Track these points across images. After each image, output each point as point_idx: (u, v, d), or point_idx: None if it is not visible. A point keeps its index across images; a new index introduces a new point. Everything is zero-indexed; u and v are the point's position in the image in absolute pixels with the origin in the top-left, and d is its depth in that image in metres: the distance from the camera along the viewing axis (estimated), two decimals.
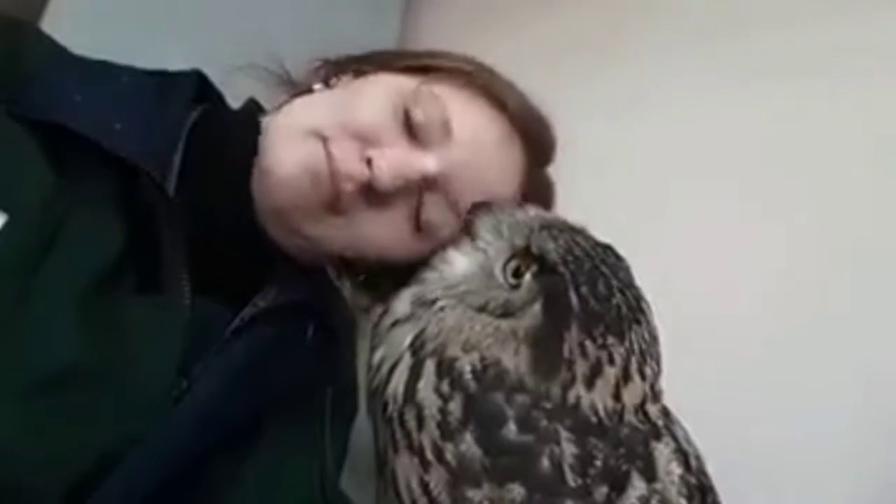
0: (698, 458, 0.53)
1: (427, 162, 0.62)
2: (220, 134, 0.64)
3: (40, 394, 0.46)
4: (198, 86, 0.67)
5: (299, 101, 0.67)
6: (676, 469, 0.50)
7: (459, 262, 0.58)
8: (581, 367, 0.50)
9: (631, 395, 0.51)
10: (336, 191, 0.60)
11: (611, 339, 0.50)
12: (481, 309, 0.53)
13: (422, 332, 0.54)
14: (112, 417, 0.49)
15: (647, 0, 0.95)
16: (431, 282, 0.58)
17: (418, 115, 0.62)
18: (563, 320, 0.50)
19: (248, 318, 0.61)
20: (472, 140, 0.64)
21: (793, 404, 0.71)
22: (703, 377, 0.66)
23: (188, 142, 0.61)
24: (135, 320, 0.53)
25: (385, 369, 0.54)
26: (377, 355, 0.56)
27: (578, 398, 0.50)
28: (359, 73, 0.69)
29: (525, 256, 0.54)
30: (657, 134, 0.86)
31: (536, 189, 0.71)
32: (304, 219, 0.62)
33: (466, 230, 0.60)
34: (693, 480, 0.50)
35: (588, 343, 0.50)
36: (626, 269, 0.55)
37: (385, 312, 0.59)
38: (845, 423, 0.69)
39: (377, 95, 0.63)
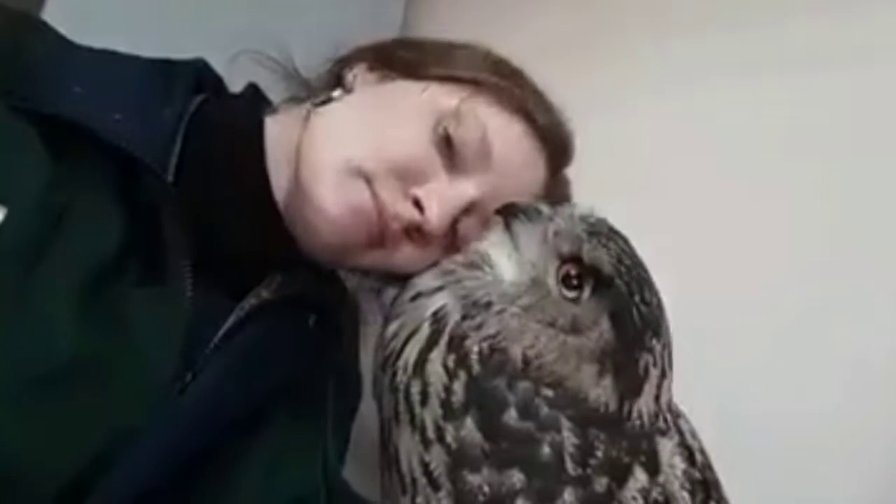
0: (703, 453, 0.52)
1: (469, 191, 0.62)
2: (220, 123, 0.62)
3: (41, 388, 0.46)
4: (200, 74, 0.66)
5: (327, 121, 0.63)
6: (680, 463, 0.50)
7: (506, 270, 0.55)
8: (636, 377, 0.51)
9: (666, 392, 0.52)
10: (382, 230, 0.60)
11: (654, 342, 0.51)
12: (550, 325, 0.52)
13: (463, 319, 0.52)
14: (114, 411, 0.49)
15: None
16: (479, 284, 0.55)
17: (461, 140, 0.61)
18: (633, 336, 0.51)
19: (250, 309, 0.60)
20: (509, 162, 0.64)
21: (795, 398, 0.70)
22: (704, 367, 0.65)
23: (186, 132, 0.60)
24: (136, 313, 0.52)
25: (401, 338, 0.54)
26: (392, 326, 0.56)
27: (631, 406, 0.50)
28: (383, 77, 0.67)
29: (575, 264, 0.53)
30: (657, 127, 0.85)
31: (557, 191, 0.70)
32: (346, 252, 0.62)
33: (506, 228, 0.58)
34: (697, 475, 0.50)
35: (643, 351, 0.51)
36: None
37: (405, 287, 0.59)
38: (849, 417, 0.68)
39: (414, 117, 0.62)
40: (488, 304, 0.53)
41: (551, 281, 0.53)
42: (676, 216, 0.79)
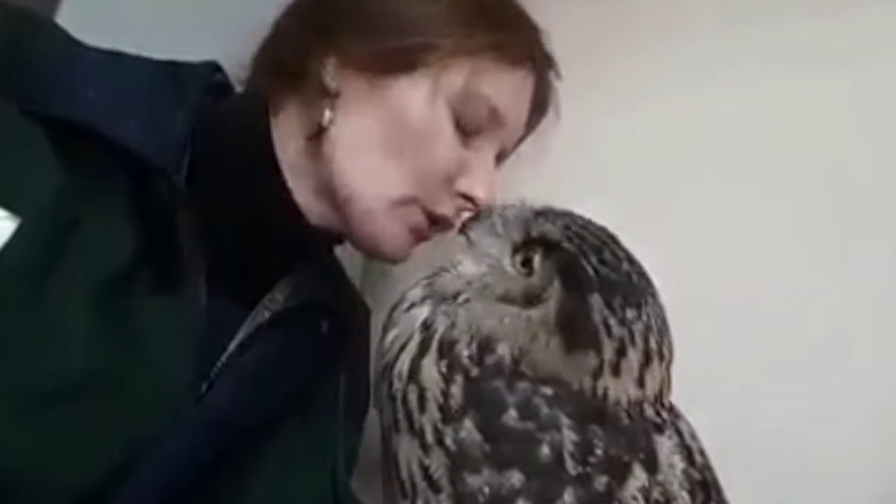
0: (703, 453, 0.52)
1: (492, 152, 0.66)
2: (228, 124, 0.62)
3: (55, 400, 0.45)
4: (211, 77, 0.66)
5: (353, 159, 0.61)
6: (679, 463, 0.49)
7: (467, 266, 0.57)
8: (608, 351, 0.49)
9: (653, 379, 0.51)
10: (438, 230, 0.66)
11: (630, 313, 0.50)
12: (503, 298, 0.53)
13: (448, 325, 0.53)
14: (129, 422, 0.49)
15: None
16: (449, 281, 0.57)
17: (475, 120, 0.63)
18: (584, 289, 0.50)
19: (264, 319, 0.61)
20: (514, 110, 0.67)
21: (795, 399, 0.70)
22: (705, 370, 0.65)
23: (196, 135, 0.60)
24: (150, 323, 0.52)
25: (395, 348, 0.55)
26: (388, 337, 0.56)
27: (606, 389, 0.49)
28: (368, 77, 0.62)
29: (528, 245, 0.54)
30: (662, 125, 0.86)
31: (542, 94, 0.72)
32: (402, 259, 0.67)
33: (465, 238, 0.60)
34: (696, 475, 0.50)
35: (611, 319, 0.49)
36: (621, 242, 0.55)
37: (399, 300, 0.59)
38: (851, 418, 0.68)
39: (435, 123, 0.61)
40: (455, 295, 0.54)
41: (508, 266, 0.54)
42: (686, 217, 0.80)
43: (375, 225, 0.63)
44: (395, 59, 0.61)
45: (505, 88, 0.64)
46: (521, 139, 0.72)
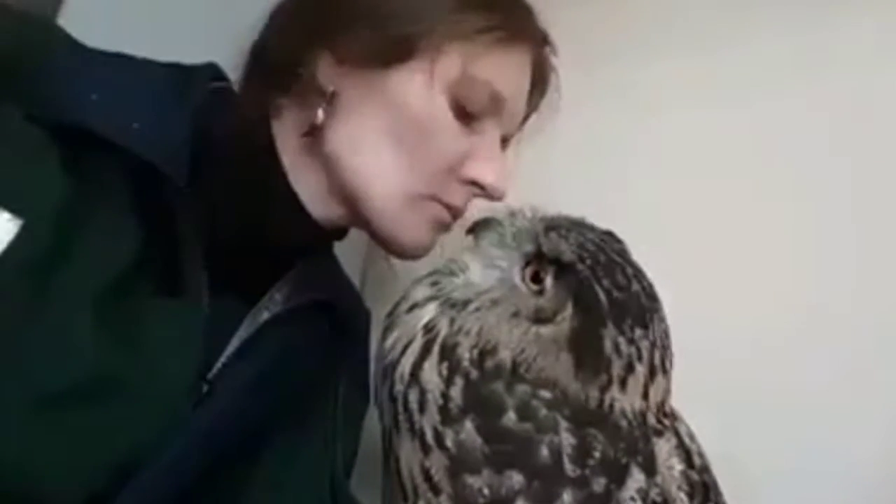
0: (701, 455, 0.52)
1: (496, 135, 0.65)
2: (227, 129, 0.62)
3: (58, 405, 0.45)
4: (213, 78, 0.65)
5: (359, 159, 0.61)
6: (677, 465, 0.50)
7: (476, 274, 0.57)
8: (616, 368, 0.50)
9: (656, 391, 0.52)
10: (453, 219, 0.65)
11: (638, 332, 0.51)
12: (513, 316, 0.53)
13: (452, 329, 0.53)
14: (132, 425, 0.49)
15: None
16: (456, 286, 0.57)
17: (476, 106, 0.62)
18: (597, 319, 0.50)
19: (263, 320, 0.61)
20: (516, 96, 0.66)
21: (795, 404, 0.70)
22: (705, 377, 0.65)
23: (198, 136, 0.59)
24: (153, 326, 0.52)
25: (398, 350, 0.55)
26: (391, 338, 0.57)
27: (613, 401, 0.50)
28: (362, 71, 0.61)
29: (539, 260, 0.54)
30: (664, 129, 0.86)
31: (542, 68, 0.71)
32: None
33: (475, 239, 0.60)
34: (695, 477, 0.50)
35: (620, 339, 0.50)
36: (629, 253, 0.55)
37: (401, 299, 0.59)
38: (846, 421, 0.68)
39: (435, 115, 0.60)
40: (466, 303, 0.54)
41: (517, 279, 0.54)
42: (682, 218, 0.80)
43: (394, 224, 0.63)
44: (388, 49, 0.60)
45: (503, 70, 0.63)
46: (524, 120, 0.71)
